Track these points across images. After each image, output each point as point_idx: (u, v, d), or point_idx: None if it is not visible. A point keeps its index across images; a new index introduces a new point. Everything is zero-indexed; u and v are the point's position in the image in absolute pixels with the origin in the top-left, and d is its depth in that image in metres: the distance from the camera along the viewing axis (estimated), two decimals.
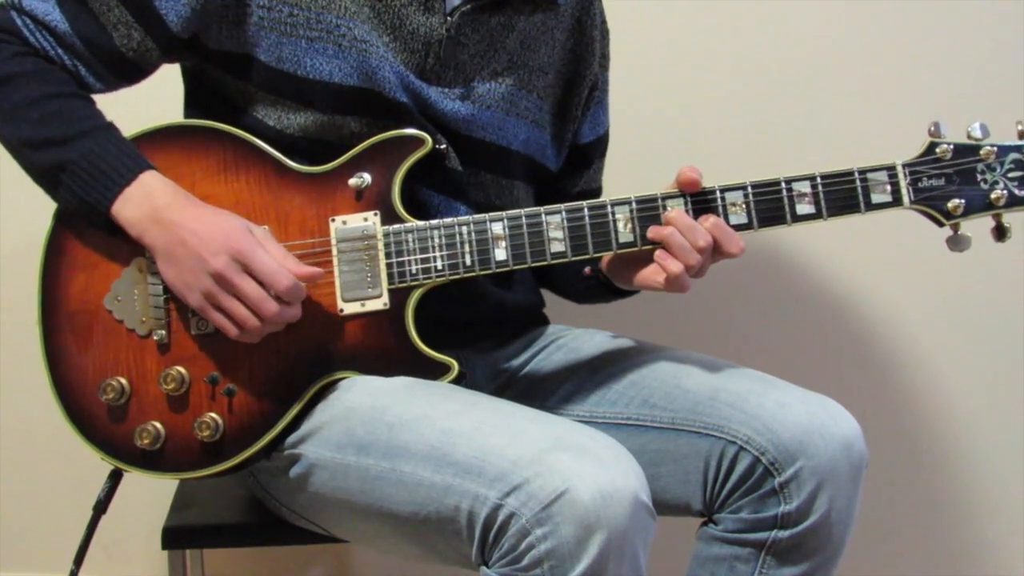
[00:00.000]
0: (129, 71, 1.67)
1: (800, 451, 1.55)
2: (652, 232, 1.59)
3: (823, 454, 1.55)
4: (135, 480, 1.64)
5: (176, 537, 1.81)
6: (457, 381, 1.60)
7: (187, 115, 1.78)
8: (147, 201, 1.55)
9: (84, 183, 1.55)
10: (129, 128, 1.63)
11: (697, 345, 1.83)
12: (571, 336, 1.85)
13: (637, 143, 2.16)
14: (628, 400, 1.70)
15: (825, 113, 2.31)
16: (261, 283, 1.52)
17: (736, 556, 1.60)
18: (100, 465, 1.63)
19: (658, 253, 1.59)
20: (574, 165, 1.90)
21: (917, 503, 2.45)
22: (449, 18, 1.68)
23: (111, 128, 1.61)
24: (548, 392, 1.78)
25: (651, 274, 1.63)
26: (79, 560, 1.69)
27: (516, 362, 1.83)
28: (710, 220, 1.58)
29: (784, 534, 1.57)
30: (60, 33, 1.61)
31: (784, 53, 2.31)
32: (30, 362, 1.64)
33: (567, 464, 1.37)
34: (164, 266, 1.55)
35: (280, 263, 1.53)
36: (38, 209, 1.65)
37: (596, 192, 1.95)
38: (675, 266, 1.57)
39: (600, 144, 1.92)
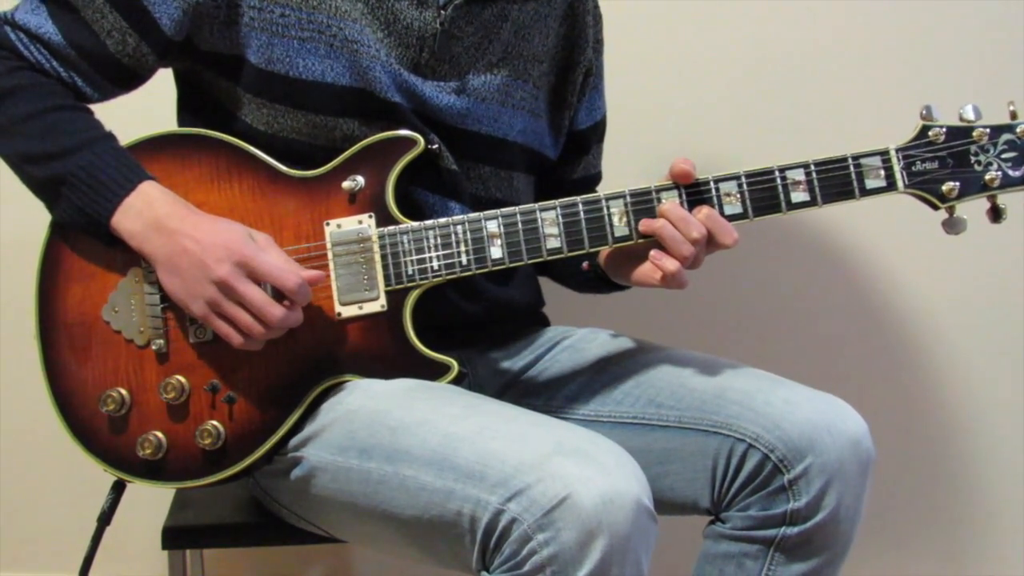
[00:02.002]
0: (125, 77, 1.66)
1: (809, 448, 1.56)
2: (644, 225, 1.59)
3: (832, 451, 1.56)
4: (135, 485, 1.64)
5: (176, 537, 1.81)
6: (457, 381, 1.60)
7: (180, 120, 1.77)
8: (147, 211, 1.54)
9: (84, 195, 1.55)
10: (124, 137, 1.62)
11: (701, 345, 1.84)
12: (575, 337, 1.85)
13: (633, 137, 2.16)
14: (634, 399, 1.70)
15: (818, 102, 2.31)
16: (268, 285, 1.52)
17: (745, 553, 1.61)
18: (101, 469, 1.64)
19: (653, 253, 1.58)
20: (573, 151, 1.90)
21: (922, 500, 2.46)
22: (443, 11, 1.67)
23: (109, 139, 1.60)
24: (553, 392, 1.78)
25: (648, 271, 1.62)
26: (84, 572, 1.69)
27: (519, 363, 1.83)
28: (703, 211, 1.57)
29: (793, 531, 1.58)
30: (54, 45, 1.60)
31: (776, 44, 2.31)
32: (33, 366, 1.64)
33: (569, 469, 1.37)
34: (165, 276, 1.54)
35: (285, 264, 1.53)
36: (38, 217, 1.64)
37: (596, 178, 1.95)
38: (671, 264, 1.57)
39: (598, 129, 1.92)
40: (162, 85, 1.74)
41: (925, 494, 2.45)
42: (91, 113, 1.64)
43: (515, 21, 1.74)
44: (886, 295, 2.39)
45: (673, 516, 1.65)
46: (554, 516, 1.34)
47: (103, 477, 1.66)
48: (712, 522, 1.66)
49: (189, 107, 1.76)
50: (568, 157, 1.90)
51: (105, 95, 1.67)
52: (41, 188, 1.59)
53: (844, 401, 1.63)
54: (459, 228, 1.60)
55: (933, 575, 2.47)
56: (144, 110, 1.77)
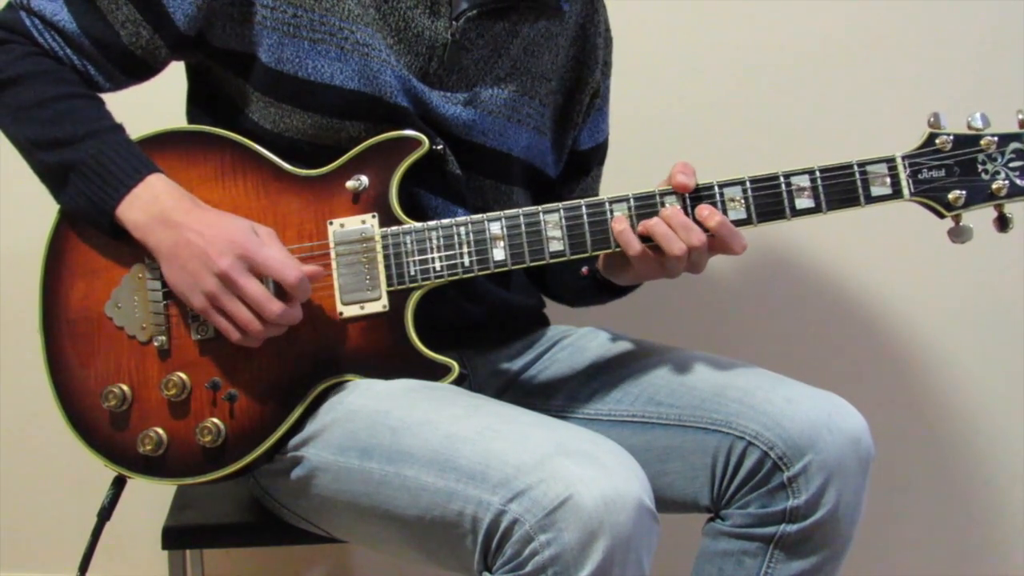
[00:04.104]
0: (138, 69, 1.67)
1: (809, 446, 1.56)
2: (642, 227, 1.58)
3: (831, 448, 1.56)
4: (136, 481, 1.64)
5: (176, 537, 1.81)
6: (458, 382, 1.60)
7: (189, 113, 1.78)
8: (153, 203, 1.55)
9: (91, 183, 1.55)
10: (135, 128, 1.63)
11: (701, 344, 1.83)
12: (575, 336, 1.85)
13: (637, 140, 2.16)
14: (634, 398, 1.70)
15: (825, 108, 2.31)
16: (270, 281, 1.53)
17: (744, 551, 1.61)
18: (102, 465, 1.63)
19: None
20: (572, 172, 1.90)
21: (922, 498, 2.45)
22: (455, 23, 1.67)
23: (119, 130, 1.61)
24: (553, 391, 1.78)
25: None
26: (84, 567, 1.69)
27: (519, 363, 1.83)
28: (716, 218, 1.56)
29: (792, 528, 1.58)
30: (68, 33, 1.61)
31: (782, 48, 2.31)
32: (33, 365, 1.64)
33: (570, 470, 1.36)
34: (168, 268, 1.55)
35: (286, 258, 1.53)
36: (39, 216, 1.65)
37: None
38: (678, 248, 1.56)
39: (599, 151, 1.92)
40: (173, 78, 1.74)
41: (925, 492, 2.45)
42: (102, 103, 1.65)
43: (525, 37, 1.74)
44: (886, 294, 2.39)
45: (673, 514, 1.65)
46: (556, 517, 1.34)
47: (103, 478, 1.67)
48: (711, 519, 1.66)
49: (199, 101, 1.77)
50: (567, 177, 1.90)
51: (117, 85, 1.68)
52: (49, 174, 1.59)
53: (844, 399, 1.63)
54: (462, 229, 1.60)
55: (934, 574, 2.46)
56: (154, 102, 1.77)
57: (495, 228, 1.60)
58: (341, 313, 1.60)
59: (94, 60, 1.63)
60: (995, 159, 1.58)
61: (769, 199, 1.59)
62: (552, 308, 1.93)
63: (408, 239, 1.60)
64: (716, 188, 1.59)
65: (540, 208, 1.60)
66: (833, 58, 2.30)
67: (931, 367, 2.40)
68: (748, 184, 1.59)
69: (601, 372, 1.76)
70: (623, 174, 1.92)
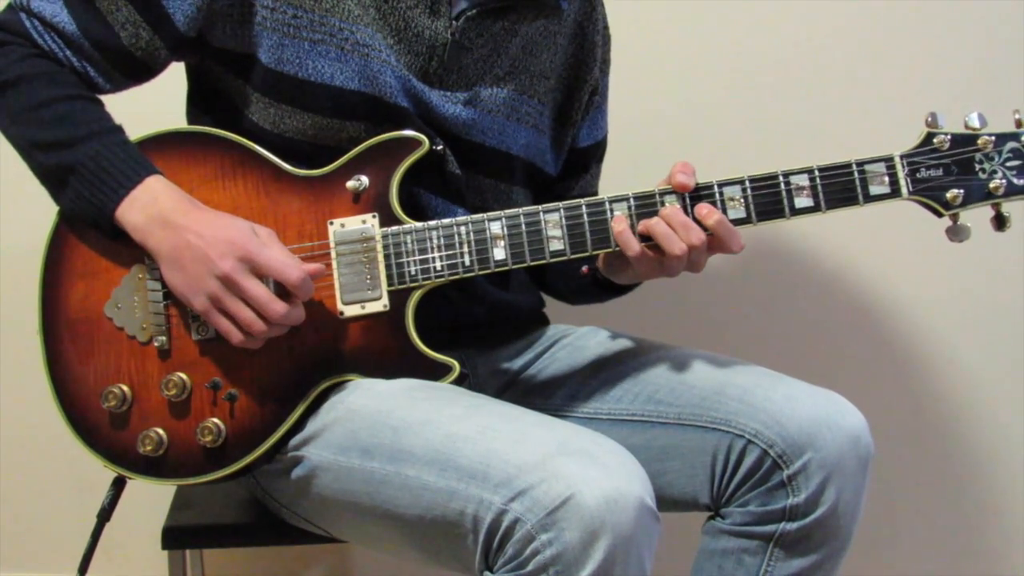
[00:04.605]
0: (137, 70, 1.67)
1: (808, 444, 1.56)
2: (642, 226, 1.59)
3: (831, 446, 1.56)
4: (136, 481, 1.64)
5: (176, 537, 1.82)
6: (459, 382, 1.60)
7: (189, 114, 1.78)
8: (152, 205, 1.54)
9: (91, 185, 1.55)
10: (134, 130, 1.63)
11: (701, 343, 1.83)
12: (574, 335, 1.85)
13: (637, 139, 2.16)
14: (633, 396, 1.70)
15: (823, 107, 2.31)
16: (271, 281, 1.52)
17: (744, 549, 1.61)
18: (102, 465, 1.63)
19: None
20: (571, 170, 1.90)
21: (922, 497, 2.46)
22: (455, 22, 1.67)
23: (119, 131, 1.61)
24: (553, 391, 1.78)
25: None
26: (84, 567, 1.69)
27: (519, 362, 1.83)
28: (715, 216, 1.57)
29: (792, 526, 1.58)
30: (68, 34, 1.61)
31: (781, 48, 2.31)
32: (33, 365, 1.64)
33: (572, 469, 1.37)
34: (168, 271, 1.54)
35: (288, 258, 1.53)
36: (39, 216, 1.65)
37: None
38: (678, 248, 1.56)
39: (598, 149, 1.92)
40: (173, 78, 1.74)
41: (925, 492, 2.45)
42: (102, 104, 1.64)
43: (524, 36, 1.74)
44: (885, 293, 2.39)
45: (673, 513, 1.65)
46: (557, 516, 1.34)
47: (103, 478, 1.67)
48: (711, 518, 1.66)
49: (198, 101, 1.76)
50: (566, 175, 1.90)
51: (117, 86, 1.68)
52: (48, 176, 1.59)
53: (843, 398, 1.64)
54: (462, 229, 1.60)
55: (933, 572, 2.47)
56: (154, 102, 1.77)
57: (495, 227, 1.60)
58: (342, 313, 1.60)
59: (94, 61, 1.63)
60: (992, 158, 1.59)
61: (768, 198, 1.59)
62: (552, 307, 1.93)
63: (408, 239, 1.60)
64: (716, 187, 1.59)
65: (540, 208, 1.60)
66: (833, 58, 2.30)
67: (931, 365, 2.41)
68: (747, 183, 1.59)
69: (601, 371, 1.76)
70: (623, 174, 1.92)
